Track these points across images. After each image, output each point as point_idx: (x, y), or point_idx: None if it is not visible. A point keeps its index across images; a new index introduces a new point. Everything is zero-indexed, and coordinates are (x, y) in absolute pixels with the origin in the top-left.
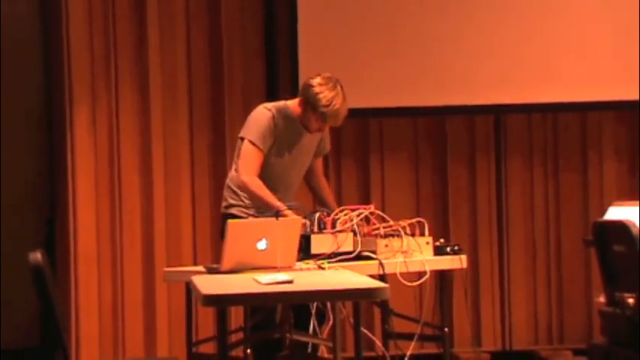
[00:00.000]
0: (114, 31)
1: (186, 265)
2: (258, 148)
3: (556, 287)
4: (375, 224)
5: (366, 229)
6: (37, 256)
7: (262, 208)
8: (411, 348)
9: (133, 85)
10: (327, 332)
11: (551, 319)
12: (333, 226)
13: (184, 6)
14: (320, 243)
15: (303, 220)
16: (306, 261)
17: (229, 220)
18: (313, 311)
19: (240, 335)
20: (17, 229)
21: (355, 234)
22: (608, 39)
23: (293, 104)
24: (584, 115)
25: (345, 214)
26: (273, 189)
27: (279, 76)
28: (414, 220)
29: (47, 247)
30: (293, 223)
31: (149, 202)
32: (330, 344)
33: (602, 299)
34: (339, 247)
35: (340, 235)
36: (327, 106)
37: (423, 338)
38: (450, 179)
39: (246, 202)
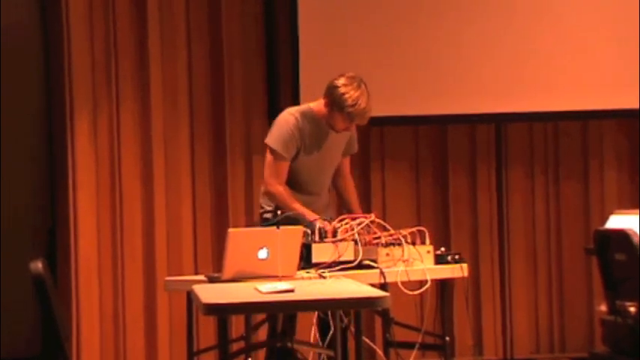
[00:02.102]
0: (114, 41)
1: (187, 274)
2: (280, 155)
3: (557, 296)
4: (375, 233)
5: (367, 238)
6: (38, 265)
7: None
8: (412, 357)
9: (133, 94)
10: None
11: (552, 327)
12: (334, 235)
13: (185, 15)
14: (321, 252)
15: (304, 229)
16: (307, 270)
17: (230, 229)
18: (314, 320)
19: (241, 344)
20: (18, 238)
21: (356, 243)
22: (609, 47)
23: (317, 106)
24: (585, 123)
25: (346, 223)
26: (308, 192)
27: (279, 84)
28: (414, 229)
29: (48, 256)
30: (294, 232)
31: (150, 211)
32: (332, 353)
33: (603, 308)
34: (340, 256)
35: (341, 244)
36: (353, 105)
37: (424, 347)
38: (450, 188)
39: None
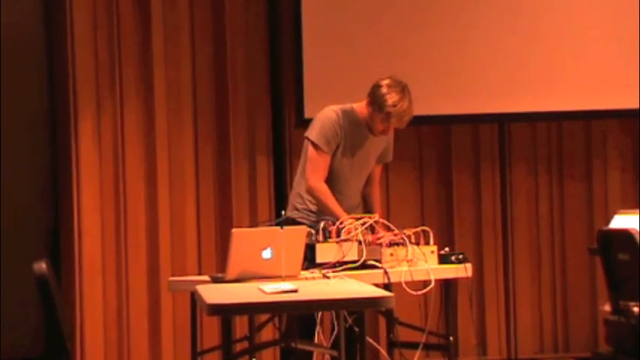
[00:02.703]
0: (118, 41)
1: (190, 275)
2: (323, 151)
3: (561, 296)
4: (379, 233)
5: (370, 238)
6: (41, 266)
7: (326, 215)
8: (416, 357)
9: (137, 94)
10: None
11: (556, 327)
12: (338, 235)
13: (189, 16)
14: (325, 252)
15: (308, 229)
16: (311, 270)
17: (233, 230)
18: (318, 320)
19: (245, 345)
20: (22, 238)
21: (360, 243)
22: (613, 48)
23: (359, 106)
24: (588, 123)
25: (350, 223)
26: (338, 192)
27: (283, 84)
28: (418, 229)
29: (52, 256)
30: (298, 232)
31: (154, 211)
32: (335, 353)
33: (607, 308)
34: (343, 256)
35: (345, 244)
36: (394, 106)
37: (428, 347)
38: (454, 187)
39: (311, 206)
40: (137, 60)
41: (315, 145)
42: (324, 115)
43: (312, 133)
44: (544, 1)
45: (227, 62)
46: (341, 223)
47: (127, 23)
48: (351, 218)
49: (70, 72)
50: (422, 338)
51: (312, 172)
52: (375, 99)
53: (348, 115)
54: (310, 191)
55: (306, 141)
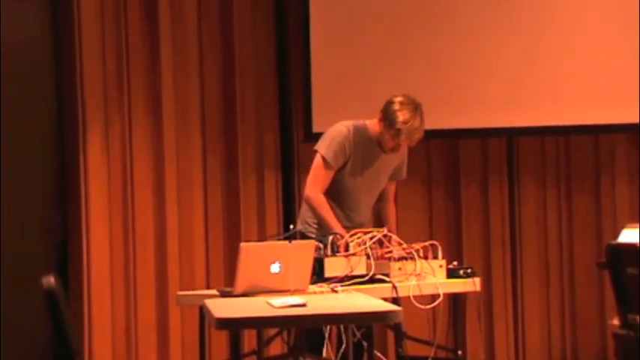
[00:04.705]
0: (127, 54)
1: (199, 289)
2: (328, 164)
3: (570, 310)
4: (388, 247)
5: (379, 252)
6: (50, 280)
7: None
8: None
9: (145, 107)
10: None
11: (564, 341)
12: (347, 249)
13: (197, 27)
14: (333, 266)
15: (316, 243)
16: (320, 284)
17: (242, 244)
18: (326, 334)
19: (254, 359)
20: (29, 252)
21: (368, 257)
22: (621, 61)
23: (372, 123)
24: (596, 137)
25: (358, 237)
26: (348, 207)
27: (291, 98)
28: (427, 243)
29: (60, 269)
30: (306, 246)
31: (162, 224)
32: None
33: (615, 322)
34: (352, 270)
35: (353, 258)
36: (405, 123)
37: None
38: (462, 202)
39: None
40: (145, 73)
41: (322, 158)
42: (335, 130)
43: (322, 146)
44: (552, 15)
45: (235, 76)
46: (351, 236)
47: (135, 36)
48: (360, 232)
49: (78, 85)
50: (430, 352)
51: (312, 182)
52: (387, 115)
53: (360, 132)
54: (307, 201)
55: (316, 154)
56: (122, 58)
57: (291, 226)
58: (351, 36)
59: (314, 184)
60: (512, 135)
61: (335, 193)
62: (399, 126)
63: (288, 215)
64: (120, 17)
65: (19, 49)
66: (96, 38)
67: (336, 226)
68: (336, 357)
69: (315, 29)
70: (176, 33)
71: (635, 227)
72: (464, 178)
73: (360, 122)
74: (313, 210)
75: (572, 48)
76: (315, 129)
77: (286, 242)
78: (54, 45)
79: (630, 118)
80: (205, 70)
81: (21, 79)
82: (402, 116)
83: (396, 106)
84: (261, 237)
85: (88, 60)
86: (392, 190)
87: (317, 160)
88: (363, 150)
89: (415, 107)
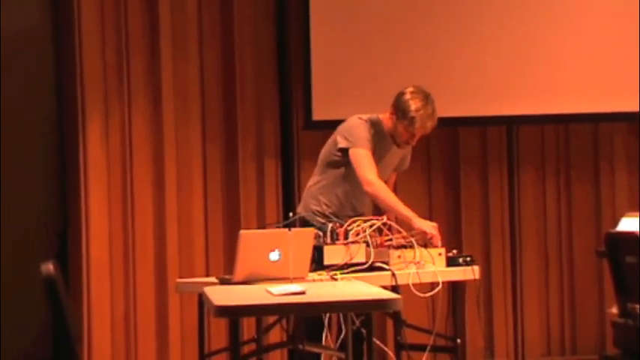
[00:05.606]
0: (126, 43)
1: (198, 276)
2: (364, 147)
3: (569, 298)
4: (387, 235)
5: (378, 240)
6: (49, 267)
7: (390, 214)
8: (423, 359)
9: (145, 96)
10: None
11: (563, 330)
12: (346, 237)
13: (197, 18)
14: (333, 254)
15: (316, 231)
16: (319, 272)
17: (241, 231)
18: (326, 322)
19: (253, 346)
20: (29, 241)
21: (368, 245)
22: (620, 50)
23: (385, 117)
24: (595, 125)
25: (358, 225)
26: (355, 197)
27: (291, 86)
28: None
29: (60, 259)
30: (306, 233)
31: (161, 213)
32: (342, 355)
33: (614, 310)
34: (351, 258)
35: (353, 246)
36: (417, 111)
37: (435, 349)
38: (462, 190)
39: (327, 210)
40: (145, 63)
41: (356, 147)
42: (354, 122)
43: (351, 139)
44: (552, 3)
45: (235, 64)
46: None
47: (135, 26)
48: (359, 220)
49: (77, 75)
50: (429, 340)
51: (364, 172)
52: (399, 106)
53: (375, 125)
54: (372, 192)
55: (340, 153)
56: (122, 48)
57: (290, 214)
58: (351, 24)
59: (367, 170)
60: (511, 123)
61: (345, 182)
62: (412, 114)
63: (288, 203)
64: (119, 6)
65: (19, 39)
66: (95, 28)
67: (408, 212)
68: (336, 345)
69: (315, 17)
70: (176, 22)
71: (635, 215)
72: (463, 166)
73: (374, 116)
74: (382, 196)
75: (572, 36)
76: (315, 117)
77: (286, 230)
78: (53, 34)
79: (630, 106)
80: (205, 60)
81: (20, 68)
82: (414, 104)
83: (408, 96)
84: (261, 225)
85: (88, 50)
86: (393, 178)
87: (352, 153)
88: (378, 144)
89: (426, 96)
